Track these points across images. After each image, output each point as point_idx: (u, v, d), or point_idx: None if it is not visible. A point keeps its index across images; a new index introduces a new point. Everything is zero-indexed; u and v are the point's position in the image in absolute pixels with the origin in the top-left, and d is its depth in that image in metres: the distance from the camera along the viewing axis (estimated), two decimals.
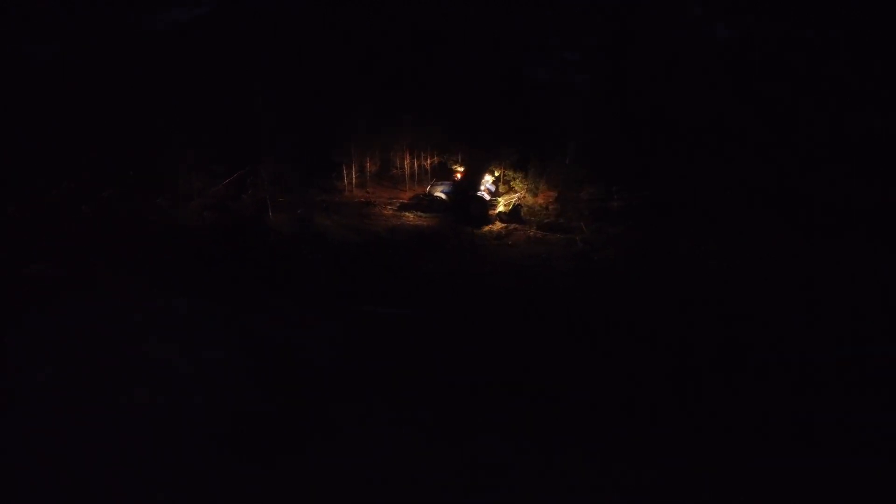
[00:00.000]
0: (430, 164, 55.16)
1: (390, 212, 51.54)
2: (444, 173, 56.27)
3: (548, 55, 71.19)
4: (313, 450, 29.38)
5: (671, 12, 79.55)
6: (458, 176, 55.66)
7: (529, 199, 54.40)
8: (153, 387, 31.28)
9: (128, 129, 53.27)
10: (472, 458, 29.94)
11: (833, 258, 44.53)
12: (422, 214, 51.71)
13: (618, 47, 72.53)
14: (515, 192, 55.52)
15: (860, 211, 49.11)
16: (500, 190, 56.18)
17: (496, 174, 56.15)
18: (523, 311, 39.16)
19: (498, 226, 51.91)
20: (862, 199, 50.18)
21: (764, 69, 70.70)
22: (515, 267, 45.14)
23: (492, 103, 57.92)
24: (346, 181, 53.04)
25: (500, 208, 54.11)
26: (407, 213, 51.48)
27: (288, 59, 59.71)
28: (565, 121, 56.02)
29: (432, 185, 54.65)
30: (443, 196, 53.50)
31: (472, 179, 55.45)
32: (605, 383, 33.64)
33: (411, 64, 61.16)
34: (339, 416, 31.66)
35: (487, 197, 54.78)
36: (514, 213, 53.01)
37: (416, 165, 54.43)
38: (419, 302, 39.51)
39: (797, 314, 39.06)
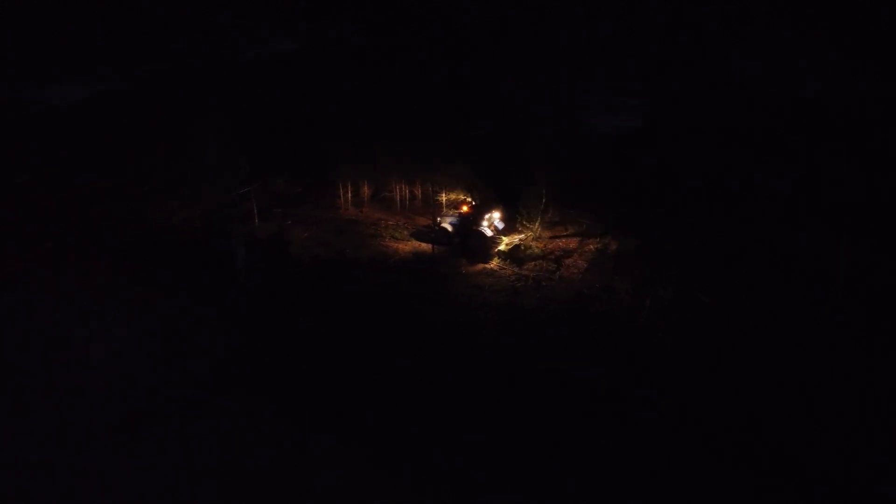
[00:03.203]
0: (421, 192, 58.69)
1: (371, 231, 55.81)
2: (428, 202, 59.29)
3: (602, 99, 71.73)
4: (177, 430, 34.40)
5: (770, 64, 76.35)
6: (465, 209, 58.28)
7: (533, 240, 55.23)
8: (63, 362, 38.23)
9: (173, 143, 62.64)
10: (310, 456, 33.37)
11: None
12: (393, 241, 55.14)
13: (679, 95, 71.49)
14: (521, 232, 56.61)
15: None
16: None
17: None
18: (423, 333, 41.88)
19: (494, 263, 53.50)
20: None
21: (841, 126, 66.22)
22: (450, 295, 47.33)
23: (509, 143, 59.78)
24: (342, 200, 58.20)
25: (502, 247, 56.02)
26: (385, 236, 55.37)
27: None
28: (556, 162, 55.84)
29: (442, 216, 57.06)
30: (449, 228, 55.97)
31: (478, 214, 57.61)
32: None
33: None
34: (209, 406, 36.45)
35: (489, 233, 56.18)
36: (512, 252, 54.65)
37: (407, 192, 58.28)
38: (334, 315, 43.43)
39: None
